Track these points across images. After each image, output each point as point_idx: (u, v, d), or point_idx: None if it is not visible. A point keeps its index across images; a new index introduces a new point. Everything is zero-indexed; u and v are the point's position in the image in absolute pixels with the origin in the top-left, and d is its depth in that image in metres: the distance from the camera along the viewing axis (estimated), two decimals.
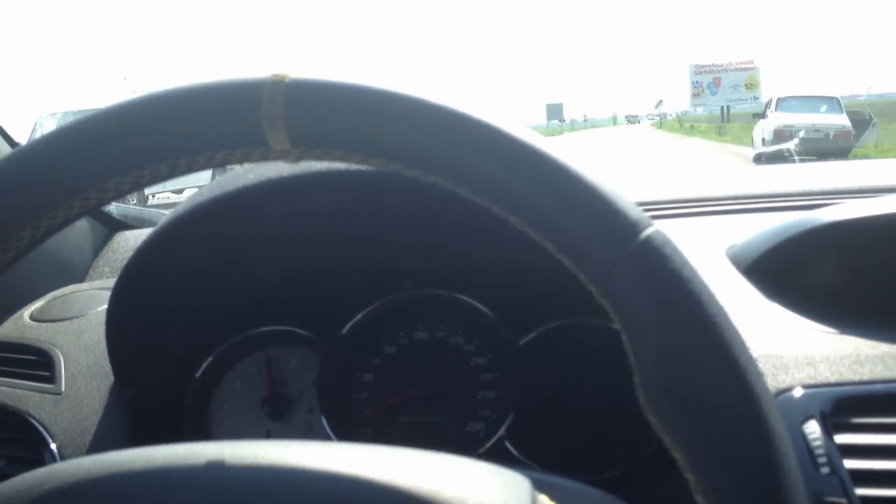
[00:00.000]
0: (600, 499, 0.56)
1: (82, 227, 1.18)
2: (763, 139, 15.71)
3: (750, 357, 0.37)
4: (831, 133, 15.44)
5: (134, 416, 0.81)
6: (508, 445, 0.82)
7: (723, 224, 1.01)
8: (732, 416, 0.36)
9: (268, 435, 0.88)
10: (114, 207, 1.25)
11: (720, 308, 0.37)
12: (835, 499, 0.60)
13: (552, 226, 0.38)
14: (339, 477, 0.39)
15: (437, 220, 0.81)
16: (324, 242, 0.86)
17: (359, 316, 0.88)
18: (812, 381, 0.67)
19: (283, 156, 0.41)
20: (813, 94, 18.19)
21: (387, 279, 0.89)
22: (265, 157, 0.41)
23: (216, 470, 0.40)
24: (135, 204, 7.83)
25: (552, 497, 0.42)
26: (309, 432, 0.87)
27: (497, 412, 0.85)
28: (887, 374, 0.67)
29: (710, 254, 0.90)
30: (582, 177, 0.38)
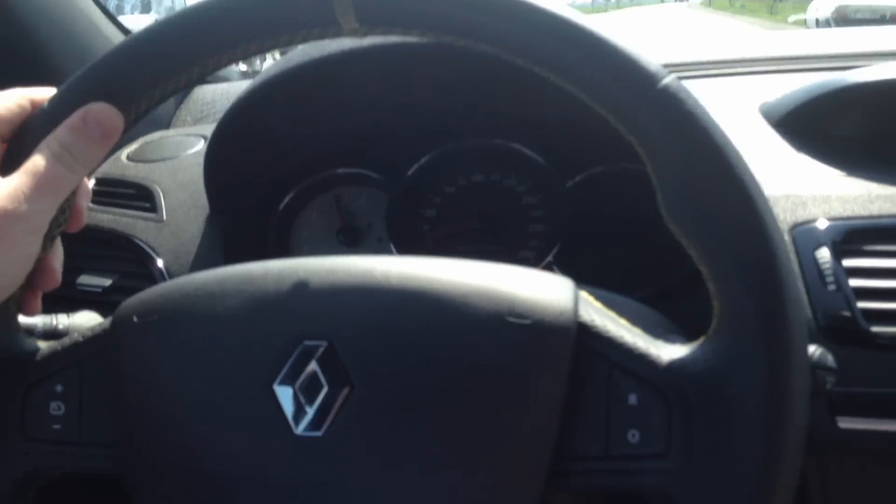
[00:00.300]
0: (633, 303, 0.67)
1: None
2: (817, 20, 14.98)
3: (748, 169, 0.46)
4: (888, 14, 14.56)
5: (227, 241, 0.92)
6: (556, 269, 0.92)
7: (759, 83, 1.07)
8: (736, 219, 0.45)
9: None
10: None
11: (723, 134, 0.46)
12: (840, 311, 0.70)
13: (585, 80, 0.47)
14: (413, 277, 0.51)
15: (491, 81, 0.88)
16: (391, 105, 0.95)
17: (423, 160, 0.98)
18: (825, 215, 0.75)
19: (352, 33, 0.50)
20: None
21: (449, 132, 0.98)
22: (337, 34, 0.50)
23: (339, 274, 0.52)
24: None
25: (591, 293, 0.53)
26: None
27: (545, 242, 0.94)
28: (895, 210, 0.76)
29: (743, 109, 0.97)
30: (609, 40, 0.47)
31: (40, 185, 0.49)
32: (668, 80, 0.46)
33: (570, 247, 0.92)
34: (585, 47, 0.46)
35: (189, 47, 0.51)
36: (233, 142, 0.90)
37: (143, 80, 0.51)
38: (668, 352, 0.48)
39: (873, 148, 0.89)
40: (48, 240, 0.52)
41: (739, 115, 0.95)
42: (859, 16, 13.49)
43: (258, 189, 0.98)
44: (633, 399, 0.47)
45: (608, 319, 0.49)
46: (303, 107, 0.92)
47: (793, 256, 0.74)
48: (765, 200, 0.46)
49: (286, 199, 1.00)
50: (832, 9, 14.51)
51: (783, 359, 0.45)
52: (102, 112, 0.51)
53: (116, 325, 0.54)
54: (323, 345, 0.49)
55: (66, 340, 0.56)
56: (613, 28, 0.49)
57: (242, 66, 1.64)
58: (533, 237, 0.96)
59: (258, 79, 0.87)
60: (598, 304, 0.52)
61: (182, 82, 0.52)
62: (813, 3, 16.51)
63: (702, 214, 0.46)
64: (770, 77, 1.10)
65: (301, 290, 0.51)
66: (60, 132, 0.50)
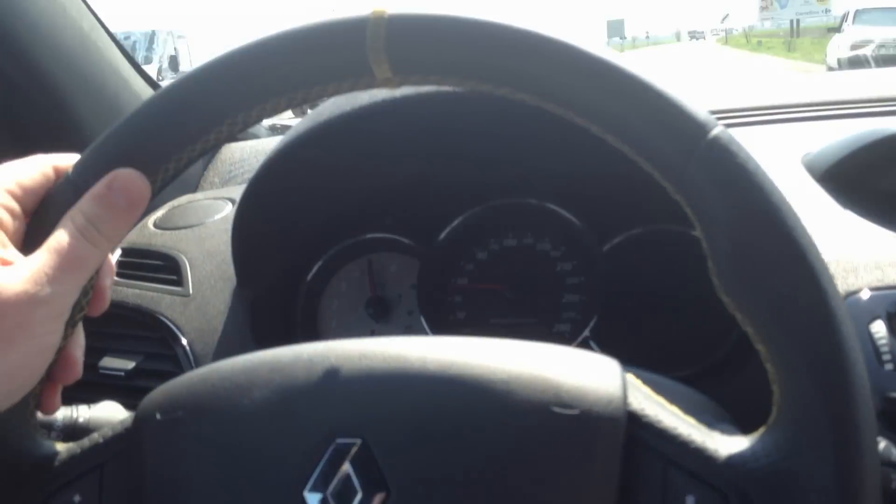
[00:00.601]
0: (681, 387, 0.63)
1: None
2: (839, 58, 14.73)
3: (809, 238, 0.42)
4: None
5: (255, 316, 0.90)
6: (593, 345, 0.88)
7: (799, 131, 1.02)
8: (794, 289, 0.41)
9: (372, 334, 0.96)
10: None
11: (781, 196, 0.42)
12: None
13: (628, 131, 0.44)
14: (451, 363, 0.47)
15: (526, 135, 0.85)
16: (424, 159, 0.92)
17: (454, 223, 0.95)
18: (880, 284, 0.71)
19: (385, 83, 0.47)
20: None
21: (480, 191, 0.96)
22: (370, 85, 0.48)
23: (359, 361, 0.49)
24: None
25: (638, 376, 0.49)
26: (408, 332, 0.95)
27: (582, 314, 0.91)
28: None
29: (785, 161, 0.93)
30: (652, 85, 0.43)
31: (63, 264, 0.46)
32: (718, 130, 0.42)
33: (607, 319, 0.88)
34: (627, 93, 0.43)
35: (217, 104, 0.48)
36: (262, 206, 0.88)
37: (170, 142, 0.49)
38: (727, 445, 0.43)
39: None
40: (70, 326, 0.49)
41: (781, 168, 0.92)
42: (879, 51, 13.34)
43: (287, 258, 0.96)
44: (691, 501, 0.43)
45: (660, 408, 0.46)
46: (333, 164, 0.89)
47: None
48: (828, 273, 0.42)
49: (315, 268, 0.97)
50: (851, 43, 14.33)
51: (853, 453, 0.41)
52: (128, 179, 0.48)
53: (139, 422, 0.51)
54: (357, 443, 0.46)
55: (85, 442, 0.53)
56: (656, 72, 0.46)
57: (270, 121, 1.63)
58: (569, 308, 0.93)
59: (287, 136, 0.85)
60: (646, 389, 0.48)
61: (211, 142, 0.49)
62: (834, 39, 16.18)
63: (759, 289, 0.42)
64: (811, 124, 1.06)
65: (333, 379, 0.48)
66: (84, 203, 0.48)
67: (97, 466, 0.52)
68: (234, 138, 0.49)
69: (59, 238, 0.47)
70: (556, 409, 0.45)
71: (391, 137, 0.87)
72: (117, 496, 0.51)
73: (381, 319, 0.97)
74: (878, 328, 0.68)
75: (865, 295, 0.71)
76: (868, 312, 0.70)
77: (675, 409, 0.47)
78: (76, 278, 0.47)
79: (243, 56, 0.48)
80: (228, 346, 0.86)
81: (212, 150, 0.50)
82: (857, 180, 0.86)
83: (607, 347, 0.88)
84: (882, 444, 0.48)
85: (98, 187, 0.48)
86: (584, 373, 0.46)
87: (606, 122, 0.44)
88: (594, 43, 0.46)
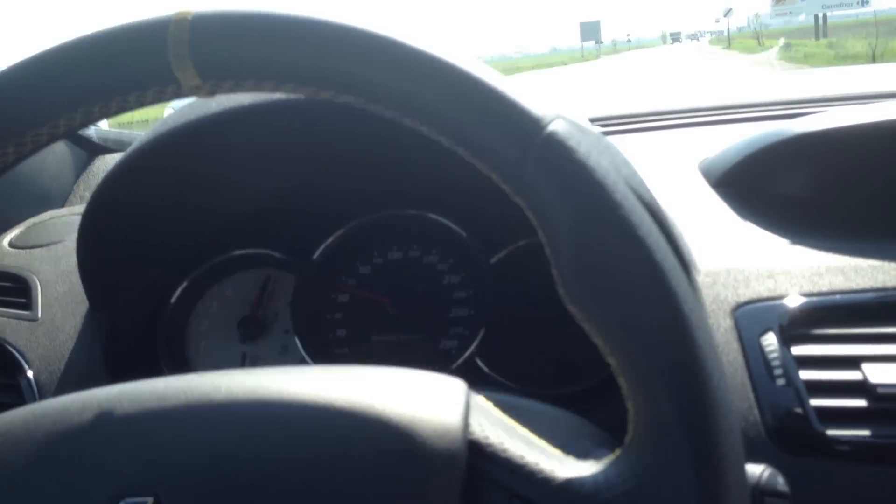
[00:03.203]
0: (545, 409, 0.57)
1: (61, 151, 1.18)
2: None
3: (657, 238, 0.38)
4: None
5: (110, 341, 0.82)
6: (479, 362, 0.83)
7: (698, 136, 1.00)
8: (640, 294, 0.37)
9: (243, 357, 0.89)
10: (93, 131, 1.25)
11: (626, 192, 0.38)
12: (791, 410, 0.61)
13: (460, 132, 0.39)
14: (261, 400, 0.41)
15: (406, 142, 0.80)
16: (295, 166, 0.86)
17: (330, 238, 0.89)
18: (771, 294, 0.67)
19: (195, 91, 0.42)
20: None
21: (360, 202, 0.89)
22: (177, 94, 0.42)
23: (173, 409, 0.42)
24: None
25: (489, 398, 0.44)
26: (284, 353, 0.88)
27: (469, 329, 0.86)
28: (846, 286, 0.67)
29: (681, 167, 0.90)
30: (481, 80, 0.38)
31: None
32: (556, 124, 0.38)
33: (495, 334, 0.83)
34: (455, 89, 0.39)
35: (4, 121, 0.42)
36: (107, 224, 0.80)
37: None
38: (579, 472, 0.38)
39: (822, 208, 0.81)
40: None
41: (677, 174, 0.88)
42: None
43: (146, 279, 0.88)
44: None
45: (506, 433, 0.40)
46: (186, 176, 0.82)
47: (736, 344, 0.65)
48: (679, 275, 0.38)
49: (179, 290, 0.90)
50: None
51: (714, 476, 0.36)
52: None
53: None
54: (148, 502, 0.39)
55: None
56: (496, 70, 0.40)
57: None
58: (455, 323, 0.87)
59: (130, 149, 0.77)
60: (496, 413, 0.42)
61: (9, 158, 0.43)
62: None
63: (606, 297, 0.37)
64: (712, 129, 1.04)
65: (123, 427, 0.42)
66: None
67: None
68: (24, 159, 0.43)
69: None
70: (384, 446, 0.39)
71: (246, 149, 0.80)
72: None
73: (255, 340, 0.90)
74: (770, 340, 0.65)
75: (759, 305, 0.67)
76: (759, 324, 0.66)
77: (525, 432, 0.41)
78: None
79: (26, 69, 0.42)
80: (77, 375, 0.79)
81: (10, 168, 0.44)
82: (751, 185, 0.83)
83: (493, 364, 0.83)
84: (767, 472, 0.43)
85: None
86: (418, 400, 0.41)
87: (437, 122, 0.39)
88: (420, 37, 0.40)
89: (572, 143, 0.38)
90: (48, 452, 0.42)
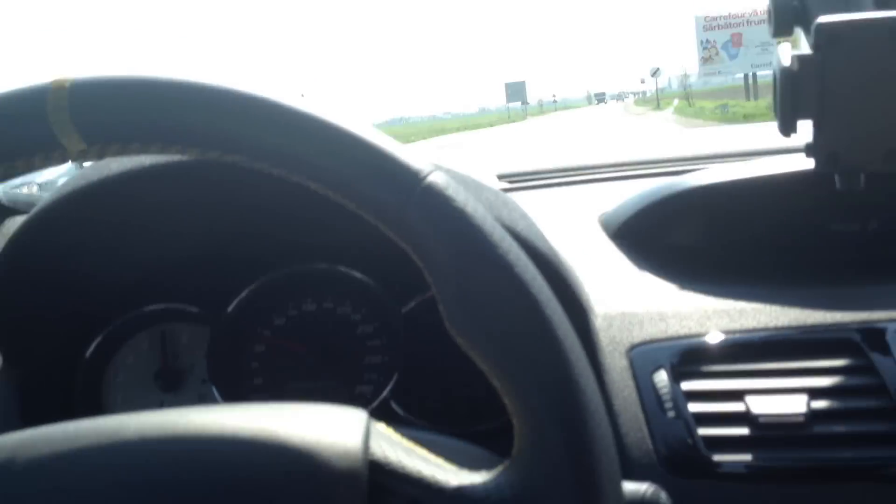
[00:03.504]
0: (438, 438, 0.61)
1: None
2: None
3: (532, 272, 0.42)
4: None
5: (26, 395, 0.82)
6: (394, 405, 0.86)
7: (598, 191, 1.07)
8: (517, 321, 0.41)
9: (161, 405, 0.90)
10: (2, 194, 1.24)
11: (501, 234, 0.42)
12: (681, 439, 0.66)
13: (344, 186, 0.42)
14: (170, 437, 0.43)
15: (315, 196, 0.83)
16: (204, 221, 0.88)
17: (244, 293, 0.91)
18: (663, 336, 0.73)
19: (82, 156, 0.43)
20: None
21: (272, 254, 0.92)
22: (64, 158, 0.43)
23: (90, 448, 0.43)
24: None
25: (391, 427, 0.47)
26: (202, 402, 0.90)
27: (383, 375, 0.89)
28: (731, 326, 0.73)
29: (582, 220, 0.96)
30: (362, 138, 0.42)
31: None
32: (434, 176, 0.42)
33: (408, 378, 0.86)
34: (338, 147, 0.42)
35: None
36: (19, 279, 0.80)
37: None
38: (469, 482, 0.42)
39: (711, 255, 0.88)
40: None
41: (577, 227, 0.94)
42: None
43: (59, 334, 0.88)
44: None
45: (404, 453, 0.43)
46: (95, 234, 0.83)
47: (630, 381, 0.71)
48: (553, 303, 0.42)
49: (94, 344, 0.90)
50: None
51: (591, 486, 0.40)
52: None
53: None
54: None
55: None
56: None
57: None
58: (370, 369, 0.90)
59: (36, 208, 0.78)
60: (395, 437, 0.45)
61: None
62: None
63: (486, 326, 0.41)
64: (612, 185, 1.10)
65: (33, 473, 0.42)
66: None
67: None
68: (16, 210, 0.44)
69: None
70: (290, 469, 0.41)
71: (165, 200, 0.82)
72: None
73: (173, 390, 0.91)
74: (661, 377, 0.70)
75: (651, 345, 0.72)
76: (652, 363, 0.71)
77: (423, 451, 0.45)
78: None
79: None
80: None
81: None
82: (647, 235, 0.89)
83: (407, 407, 0.86)
84: (650, 489, 0.47)
85: None
86: (320, 428, 0.43)
87: (322, 178, 0.43)
88: (300, 97, 0.43)
89: (450, 191, 0.42)
90: None
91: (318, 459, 0.41)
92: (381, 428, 0.45)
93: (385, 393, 0.85)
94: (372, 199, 0.42)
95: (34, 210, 0.77)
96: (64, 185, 0.77)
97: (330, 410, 0.45)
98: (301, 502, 0.41)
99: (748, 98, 26.99)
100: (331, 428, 0.43)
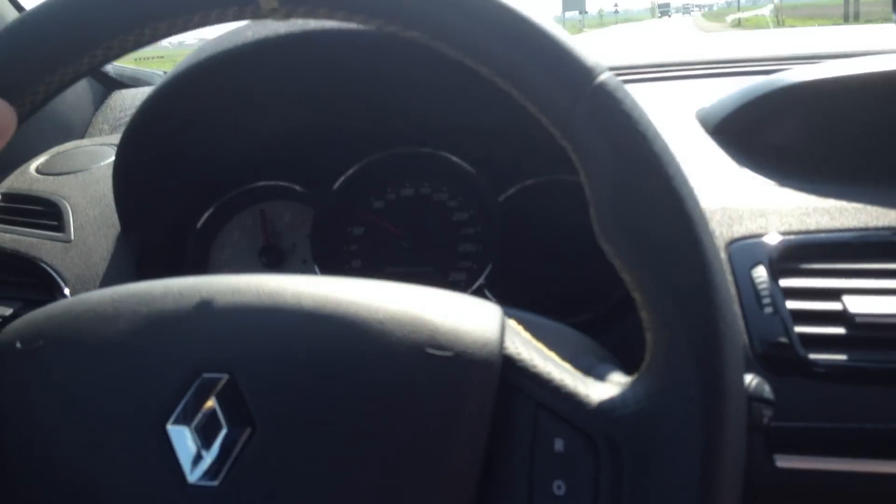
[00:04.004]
0: (563, 331, 0.63)
1: (80, 85, 1.21)
2: None
3: (689, 188, 0.42)
4: None
5: (140, 264, 0.87)
6: (487, 293, 0.88)
7: (696, 87, 1.05)
8: (670, 239, 0.41)
9: None
10: (110, 67, 1.28)
11: (664, 144, 0.42)
12: (777, 337, 0.67)
13: (517, 74, 0.42)
14: (326, 301, 0.46)
15: (423, 83, 0.84)
16: (317, 102, 0.90)
17: (349, 172, 0.93)
18: (762, 231, 0.72)
19: (271, 14, 0.45)
20: None
21: (376, 139, 0.94)
22: (255, 14, 0.45)
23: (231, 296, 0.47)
24: None
25: (520, 322, 0.49)
26: None
27: (477, 263, 0.91)
28: (831, 224, 0.73)
29: (680, 115, 0.95)
30: (542, 28, 0.42)
31: None
32: (605, 76, 0.42)
33: (502, 268, 0.88)
34: (515, 35, 0.42)
35: (92, 27, 0.45)
36: (143, 150, 0.84)
37: (37, 68, 0.45)
38: (598, 391, 0.44)
39: (811, 154, 0.87)
40: None
41: (675, 122, 0.93)
42: None
43: (174, 205, 0.92)
44: (559, 445, 0.43)
45: (535, 352, 0.45)
46: (217, 107, 0.86)
47: (728, 275, 0.71)
48: (705, 224, 0.42)
49: (205, 216, 0.94)
50: None
51: (717, 403, 0.41)
52: None
53: None
54: (223, 378, 0.44)
55: None
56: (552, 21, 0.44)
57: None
58: (464, 257, 0.92)
59: (167, 76, 0.80)
60: (526, 335, 0.47)
61: (84, 66, 0.46)
62: None
63: (635, 234, 0.41)
64: (710, 81, 1.08)
65: (202, 312, 0.46)
66: None
67: None
68: (108, 63, 0.47)
69: None
70: (431, 351, 0.44)
71: (280, 79, 0.84)
72: None
73: (275, 268, 0.95)
74: (760, 273, 0.70)
75: (751, 241, 0.72)
76: (750, 258, 0.71)
77: (552, 354, 0.46)
78: None
79: None
80: None
81: (86, 75, 0.47)
82: (746, 132, 0.88)
83: (502, 296, 0.88)
84: (755, 381, 0.48)
85: None
86: (462, 316, 0.46)
87: (494, 63, 0.43)
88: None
89: (619, 94, 0.42)
90: (133, 329, 0.46)
91: (459, 344, 0.44)
92: (513, 324, 0.47)
93: (479, 281, 0.88)
94: (541, 92, 0.42)
95: (160, 82, 0.80)
96: (187, 58, 0.80)
97: (467, 299, 0.48)
98: (437, 383, 0.43)
99: (847, 20, 24.98)
100: (470, 317, 0.46)
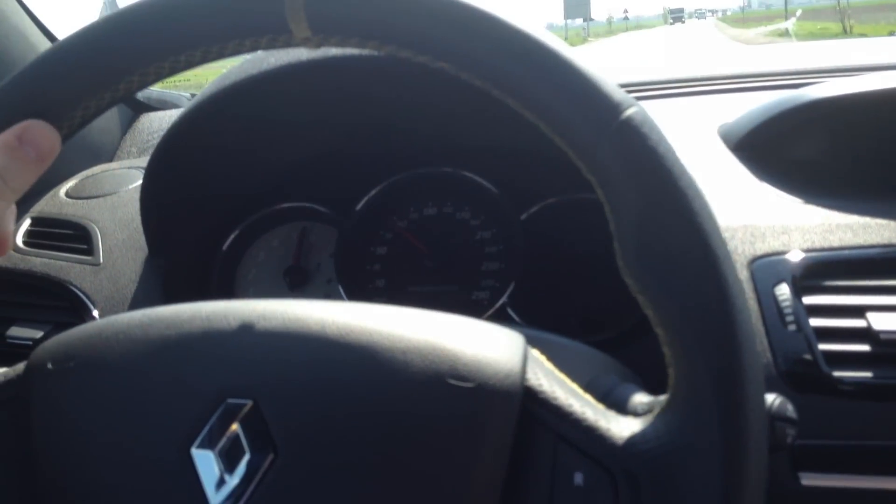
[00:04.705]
0: (585, 351, 0.63)
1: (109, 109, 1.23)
2: None
3: (715, 225, 0.42)
4: None
5: (167, 285, 0.88)
6: (510, 312, 0.88)
7: (717, 103, 1.05)
8: (695, 277, 0.41)
9: None
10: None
11: (691, 180, 0.42)
12: (800, 355, 0.67)
13: (544, 107, 0.43)
14: (349, 329, 0.47)
15: (445, 105, 0.85)
16: (341, 126, 0.91)
17: (372, 192, 0.94)
18: (785, 248, 0.72)
19: (304, 43, 0.46)
20: None
21: (399, 159, 0.95)
22: (288, 43, 0.46)
23: (255, 321, 0.48)
24: None
25: (543, 352, 0.49)
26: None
27: (500, 281, 0.91)
28: (855, 241, 0.72)
29: (701, 131, 0.95)
30: (570, 62, 0.42)
31: None
32: (633, 110, 0.42)
33: (525, 286, 0.89)
34: (544, 68, 0.42)
35: (128, 53, 0.47)
36: (170, 173, 0.86)
37: (76, 92, 0.47)
38: (619, 425, 0.43)
39: (833, 170, 0.86)
40: None
41: (697, 138, 0.93)
42: None
43: (200, 227, 0.94)
44: (578, 478, 0.43)
45: (557, 384, 0.45)
46: (243, 130, 0.87)
47: (751, 293, 0.71)
48: (731, 263, 0.42)
49: (231, 238, 0.96)
50: None
51: (740, 443, 0.41)
52: (39, 132, 0.47)
53: (30, 371, 0.50)
54: (248, 404, 0.45)
55: None
56: (581, 52, 0.45)
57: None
58: (487, 276, 0.93)
59: (194, 101, 0.82)
60: (548, 365, 0.47)
61: (121, 91, 0.48)
62: None
63: (658, 274, 0.41)
64: (731, 96, 1.08)
65: (229, 338, 0.47)
66: None
67: None
68: (144, 88, 0.49)
69: None
70: (452, 382, 0.44)
71: (304, 104, 0.85)
72: (3, 444, 0.49)
73: (300, 288, 0.96)
74: (783, 291, 0.70)
75: (773, 258, 0.72)
76: (773, 276, 0.71)
77: (574, 386, 0.46)
78: None
79: (158, 5, 0.46)
80: None
81: (123, 100, 0.49)
82: (769, 148, 0.87)
83: (523, 314, 0.88)
84: (777, 400, 0.48)
85: (7, 139, 0.47)
86: (484, 346, 0.46)
87: (523, 96, 0.43)
88: (519, 18, 0.45)
89: (645, 129, 0.41)
90: (162, 353, 0.47)
91: (480, 376, 0.44)
92: (535, 354, 0.47)
93: (502, 300, 0.88)
94: (567, 126, 0.42)
95: (187, 106, 0.81)
96: (213, 83, 0.82)
97: (489, 328, 0.48)
98: (458, 415, 0.44)
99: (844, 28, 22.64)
100: (492, 347, 0.46)
